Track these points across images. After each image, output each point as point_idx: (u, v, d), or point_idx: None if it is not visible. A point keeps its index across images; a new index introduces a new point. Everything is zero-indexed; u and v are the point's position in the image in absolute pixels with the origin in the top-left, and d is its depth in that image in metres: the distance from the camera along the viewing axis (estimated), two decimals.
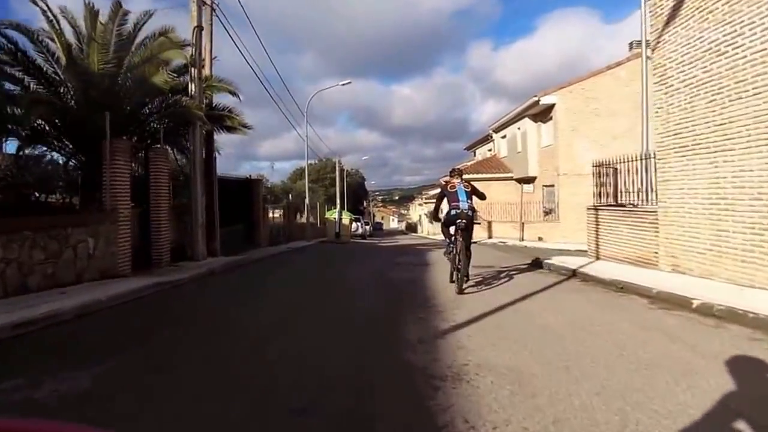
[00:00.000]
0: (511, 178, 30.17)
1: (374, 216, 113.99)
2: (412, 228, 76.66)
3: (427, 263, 12.84)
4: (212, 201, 12.57)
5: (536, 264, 11.51)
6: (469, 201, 7.99)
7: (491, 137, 34.54)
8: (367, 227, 48.69)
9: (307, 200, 26.90)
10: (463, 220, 7.84)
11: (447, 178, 9.25)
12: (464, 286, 7.81)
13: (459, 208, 7.87)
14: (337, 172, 43.68)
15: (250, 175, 18.11)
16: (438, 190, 14.27)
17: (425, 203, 50.42)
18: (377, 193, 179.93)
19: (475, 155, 39.77)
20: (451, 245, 8.21)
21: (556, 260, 11.29)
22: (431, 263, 12.74)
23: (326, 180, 53.94)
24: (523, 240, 24.69)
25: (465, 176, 12.34)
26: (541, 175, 26.67)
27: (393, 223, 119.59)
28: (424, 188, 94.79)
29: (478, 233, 24.78)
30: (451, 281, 8.36)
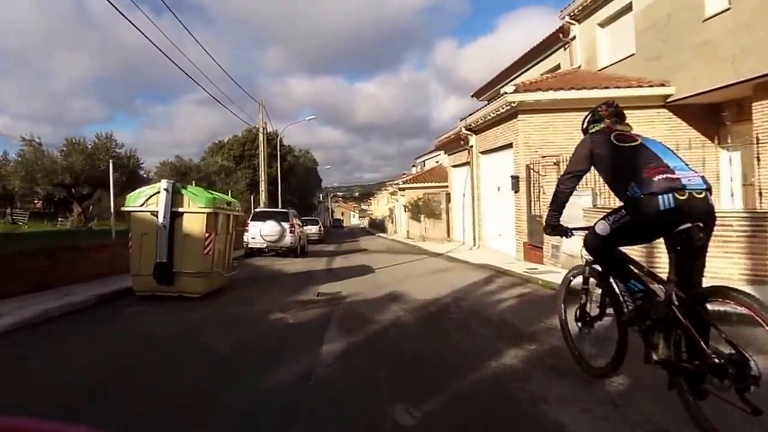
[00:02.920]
0: (664, 99, 10.21)
1: (333, 212, 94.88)
2: (377, 226, 56.28)
3: None
4: None
5: None
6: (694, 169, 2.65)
7: (565, 33, 14.32)
8: (315, 228, 27.99)
9: None
10: (699, 225, 2.45)
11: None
12: None
13: (680, 185, 2.47)
14: (260, 125, 22.62)
15: None
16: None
17: (402, 190, 29.86)
18: (338, 190, 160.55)
19: (494, 99, 19.35)
20: (641, 299, 2.78)
21: None
22: None
23: (255, 159, 32.64)
24: None
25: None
26: None
27: (354, 220, 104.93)
28: (383, 184, 76.51)
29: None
30: None
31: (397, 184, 30.39)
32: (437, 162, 32.67)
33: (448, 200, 17.85)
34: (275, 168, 32.48)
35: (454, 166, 17.39)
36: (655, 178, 2.50)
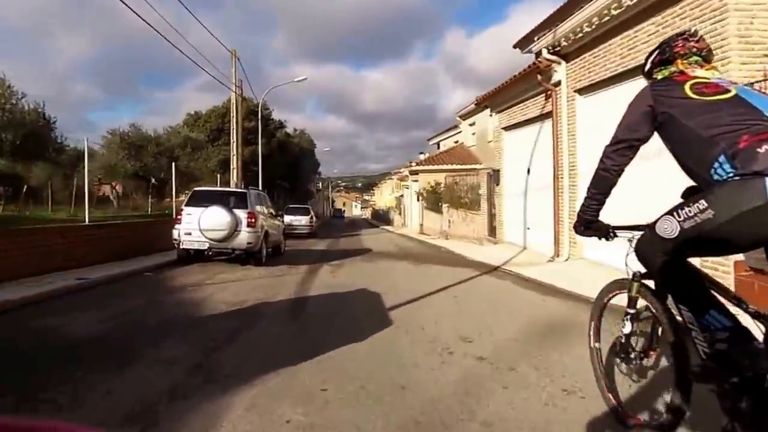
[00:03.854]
0: None
1: (334, 202, 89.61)
2: (380, 217, 50.54)
3: None
4: None
5: None
6: None
7: None
8: (305, 219, 22.36)
9: None
10: None
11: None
12: None
13: None
14: (233, 82, 16.48)
15: None
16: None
17: (415, 174, 23.91)
18: (341, 180, 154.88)
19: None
20: (726, 342, 1.71)
21: None
22: None
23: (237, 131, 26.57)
24: None
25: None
26: None
27: (356, 210, 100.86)
28: (387, 175, 72.43)
29: None
30: None
31: (410, 166, 24.23)
32: (457, 141, 26.56)
33: (495, 182, 11.67)
34: (260, 144, 26.39)
35: (509, 128, 11.17)
36: (761, 149, 1.53)
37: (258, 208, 10.21)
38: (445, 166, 21.01)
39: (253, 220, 9.52)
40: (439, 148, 31.23)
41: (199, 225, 9.25)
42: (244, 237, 9.36)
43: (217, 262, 9.97)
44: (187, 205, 9.76)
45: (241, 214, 9.44)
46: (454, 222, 15.58)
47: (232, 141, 17.60)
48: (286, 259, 11.37)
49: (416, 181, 23.79)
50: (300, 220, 21.50)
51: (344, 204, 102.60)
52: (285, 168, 30.72)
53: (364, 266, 9.79)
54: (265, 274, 8.58)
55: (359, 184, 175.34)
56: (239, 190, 10.27)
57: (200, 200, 9.71)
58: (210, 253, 9.54)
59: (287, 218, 21.98)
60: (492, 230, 12.11)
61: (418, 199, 22.90)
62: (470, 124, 23.98)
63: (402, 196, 37.81)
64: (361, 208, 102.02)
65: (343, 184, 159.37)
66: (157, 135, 21.22)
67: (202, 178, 19.94)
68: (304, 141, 39.65)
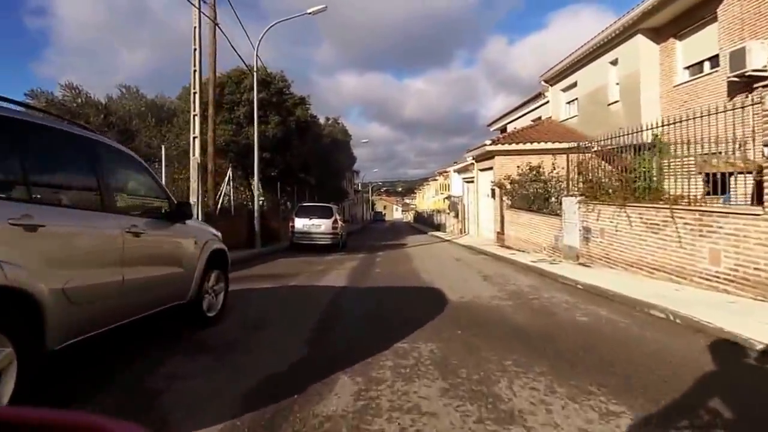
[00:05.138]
0: None
1: (374, 205, 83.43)
2: (424, 221, 43.17)
3: None
4: None
5: None
6: None
7: None
8: (324, 224, 15.26)
9: None
10: None
11: None
12: None
13: None
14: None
15: None
16: None
17: (486, 158, 16.33)
18: (381, 183, 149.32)
19: None
20: None
21: None
22: None
23: (238, 108, 19.81)
24: None
25: None
26: None
27: (396, 214, 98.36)
28: (427, 180, 66.14)
29: None
30: None
31: (482, 146, 16.56)
32: (539, 117, 18.77)
33: None
34: (271, 124, 19.54)
35: None
36: None
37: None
38: (545, 145, 13.38)
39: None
40: (505, 132, 23.46)
41: None
42: None
43: None
44: None
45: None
46: (608, 232, 7.96)
47: (192, 91, 10.67)
48: (221, 337, 4.16)
49: (489, 169, 16.19)
50: (318, 226, 14.41)
51: (385, 207, 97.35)
52: (309, 157, 23.78)
53: None
54: None
55: (399, 189, 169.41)
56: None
57: None
58: None
59: (298, 222, 14.98)
60: None
61: (492, 196, 15.32)
62: (564, 89, 16.16)
63: (449, 197, 30.16)
64: (402, 211, 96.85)
65: (384, 188, 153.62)
66: (108, 99, 14.63)
67: (170, 163, 13.24)
68: (337, 131, 32.69)
